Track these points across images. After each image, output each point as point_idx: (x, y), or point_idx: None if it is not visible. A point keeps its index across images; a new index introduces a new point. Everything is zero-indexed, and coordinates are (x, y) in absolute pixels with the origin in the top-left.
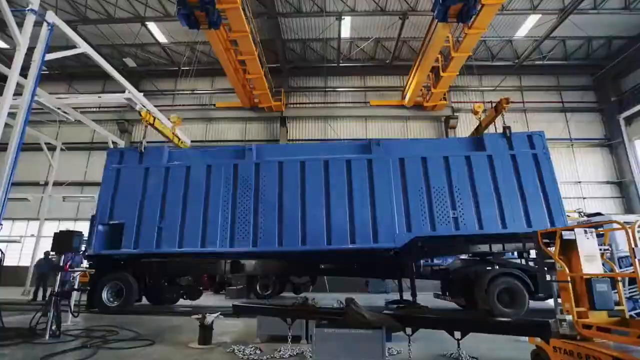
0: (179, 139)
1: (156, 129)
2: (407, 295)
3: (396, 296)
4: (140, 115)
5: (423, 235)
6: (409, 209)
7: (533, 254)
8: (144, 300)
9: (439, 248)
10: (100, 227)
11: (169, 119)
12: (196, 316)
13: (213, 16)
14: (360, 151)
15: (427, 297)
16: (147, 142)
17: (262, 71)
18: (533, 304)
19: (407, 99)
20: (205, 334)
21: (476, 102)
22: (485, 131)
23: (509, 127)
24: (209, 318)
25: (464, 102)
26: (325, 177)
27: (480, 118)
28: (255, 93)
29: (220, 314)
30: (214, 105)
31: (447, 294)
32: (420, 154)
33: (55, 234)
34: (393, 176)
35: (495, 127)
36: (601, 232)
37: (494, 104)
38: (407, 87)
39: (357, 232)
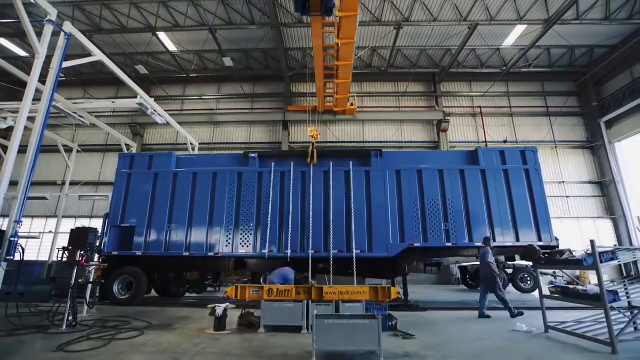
0: None
1: None
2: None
3: None
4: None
5: (416, 247)
6: (403, 220)
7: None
8: (153, 293)
9: (430, 256)
10: (112, 229)
11: None
12: (211, 305)
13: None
14: (358, 162)
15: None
16: (157, 145)
17: None
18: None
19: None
20: (220, 321)
21: (466, 106)
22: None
23: None
24: (219, 310)
25: (455, 107)
26: (326, 187)
27: None
28: None
29: (228, 305)
30: (221, 109)
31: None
32: (417, 166)
33: (71, 230)
34: (389, 188)
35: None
36: None
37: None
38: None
39: (354, 241)
